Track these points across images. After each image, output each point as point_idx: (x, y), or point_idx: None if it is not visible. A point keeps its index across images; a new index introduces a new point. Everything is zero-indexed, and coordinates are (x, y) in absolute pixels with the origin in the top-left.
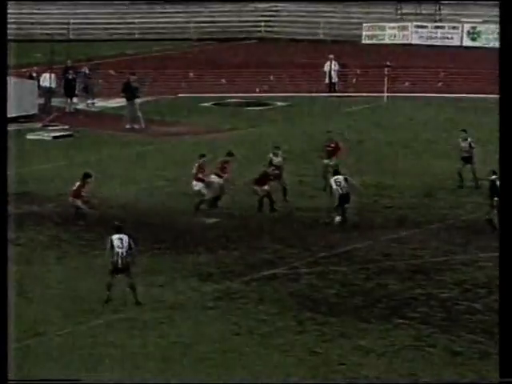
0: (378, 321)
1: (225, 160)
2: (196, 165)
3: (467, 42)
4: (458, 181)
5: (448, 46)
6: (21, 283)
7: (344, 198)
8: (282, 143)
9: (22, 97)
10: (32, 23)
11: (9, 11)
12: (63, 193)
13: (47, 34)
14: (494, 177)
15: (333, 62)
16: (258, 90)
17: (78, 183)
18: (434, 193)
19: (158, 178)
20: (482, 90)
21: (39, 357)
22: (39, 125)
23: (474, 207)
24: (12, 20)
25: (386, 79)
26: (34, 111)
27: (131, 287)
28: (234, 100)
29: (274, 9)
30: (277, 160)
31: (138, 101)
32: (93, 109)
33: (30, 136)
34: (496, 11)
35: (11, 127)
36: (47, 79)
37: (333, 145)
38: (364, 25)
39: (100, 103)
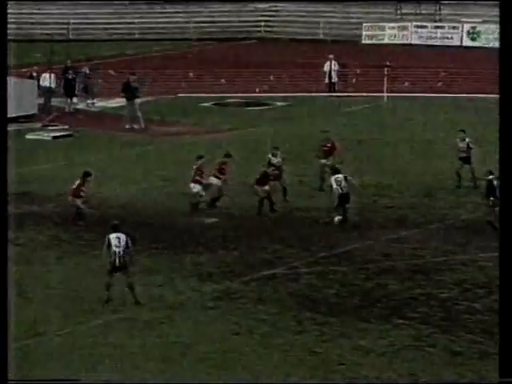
0: (377, 321)
1: (222, 161)
2: (194, 167)
3: (467, 42)
4: (456, 181)
5: (448, 46)
6: (20, 283)
7: (344, 198)
8: (282, 143)
9: (21, 97)
10: (32, 23)
11: (9, 11)
12: (63, 193)
13: (47, 34)
14: (491, 177)
15: (333, 62)
16: (257, 90)
17: (77, 182)
18: (434, 193)
19: (158, 177)
20: (481, 90)
21: (39, 357)
22: (39, 125)
23: (474, 207)
24: (12, 20)
25: (385, 79)
26: (34, 111)
27: (129, 287)
28: (234, 100)
29: (274, 9)
30: (276, 160)
31: (137, 101)
32: (92, 109)
33: (29, 136)
34: (496, 11)
35: (11, 127)
36: (47, 79)
37: (329, 145)
38: (364, 25)
39: (100, 103)
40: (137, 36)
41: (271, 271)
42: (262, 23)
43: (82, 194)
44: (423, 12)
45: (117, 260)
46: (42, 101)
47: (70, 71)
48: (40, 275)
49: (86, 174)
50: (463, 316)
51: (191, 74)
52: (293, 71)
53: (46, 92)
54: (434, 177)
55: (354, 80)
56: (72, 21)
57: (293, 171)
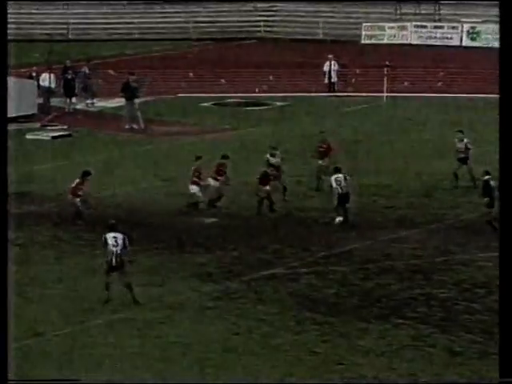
0: (377, 321)
1: (220, 163)
2: (192, 168)
3: (467, 42)
4: (453, 181)
5: (447, 46)
6: (20, 283)
7: (343, 198)
8: (282, 143)
9: (21, 97)
10: (31, 23)
11: (8, 11)
12: (62, 193)
13: (46, 33)
14: (487, 177)
15: (332, 62)
16: (257, 89)
17: (76, 181)
18: (433, 193)
19: (157, 178)
20: (481, 90)
21: (38, 357)
22: (38, 125)
23: (473, 207)
24: (11, 20)
25: (385, 79)
26: (34, 111)
27: (127, 286)
28: (234, 100)
29: (274, 9)
30: (274, 160)
31: (137, 101)
32: (92, 109)
33: (28, 136)
34: (495, 11)
35: (10, 127)
36: (46, 79)
37: (325, 145)
38: (363, 25)
39: (99, 103)
40: (136, 36)
41: (271, 271)
42: (262, 23)
43: (80, 192)
44: (423, 12)
45: (113, 260)
46: (41, 101)
47: (70, 71)
48: (39, 275)
49: (86, 174)
50: (463, 316)
51: (191, 73)
52: (292, 71)
53: (46, 92)
54: (433, 177)
55: (353, 80)
56: (71, 21)
57: (292, 171)
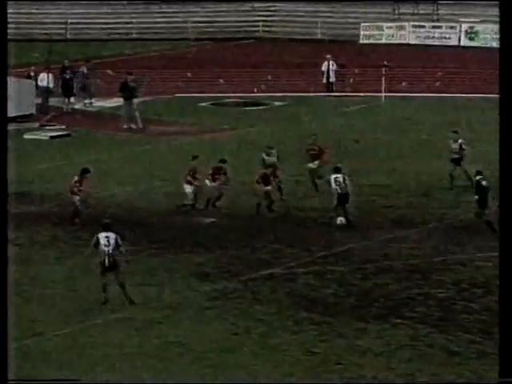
0: (375, 320)
1: (217, 166)
2: (188, 168)
3: (465, 42)
4: (448, 182)
5: (446, 46)
6: (19, 283)
7: (343, 198)
8: (280, 143)
9: (19, 97)
10: (30, 23)
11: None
12: (61, 192)
13: (45, 33)
14: (478, 177)
15: (330, 62)
16: (255, 89)
17: (75, 178)
18: (432, 192)
19: (156, 177)
20: (480, 90)
21: (37, 357)
22: (37, 124)
23: (471, 207)
24: (10, 20)
25: (383, 79)
26: (32, 111)
27: (120, 285)
28: (232, 100)
29: (272, 8)
30: (270, 159)
31: (135, 101)
32: (90, 108)
33: (27, 136)
34: (494, 11)
35: (9, 127)
36: (45, 79)
37: (316, 148)
38: (362, 24)
39: (97, 103)
40: (135, 36)
41: (269, 271)
42: (260, 23)
43: (78, 190)
44: (421, 12)
45: (106, 260)
46: (39, 101)
47: (68, 71)
48: (39, 275)
49: (84, 171)
50: (461, 316)
51: (189, 73)
52: (291, 71)
53: (44, 92)
54: (431, 176)
55: (351, 80)
56: (70, 20)
57: (290, 171)
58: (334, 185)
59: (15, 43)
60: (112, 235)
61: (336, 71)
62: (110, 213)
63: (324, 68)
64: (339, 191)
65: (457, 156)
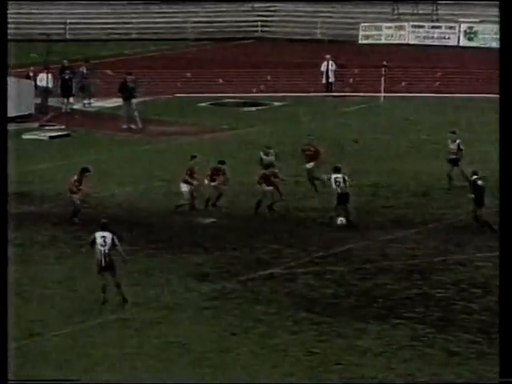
0: (374, 321)
1: (216, 167)
2: (186, 167)
3: (464, 42)
4: (447, 183)
5: (445, 46)
6: (18, 283)
7: (343, 198)
8: (279, 143)
9: (19, 97)
10: (29, 23)
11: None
12: (60, 193)
13: (44, 33)
14: (474, 177)
15: (330, 62)
16: (255, 89)
17: (74, 177)
18: (431, 193)
19: (155, 177)
20: (479, 90)
21: (37, 357)
22: (36, 125)
23: (471, 207)
24: (9, 20)
25: (382, 79)
26: (31, 111)
27: (116, 285)
28: (231, 100)
29: (272, 9)
30: (268, 159)
31: (134, 101)
32: (89, 109)
33: (26, 136)
34: (493, 11)
35: (8, 127)
36: (44, 79)
37: (312, 149)
38: (361, 25)
39: (97, 103)
40: (134, 36)
41: (268, 271)
42: (260, 23)
43: (77, 189)
44: (420, 12)
45: (103, 259)
46: (38, 101)
47: (67, 71)
48: (38, 275)
49: (84, 170)
50: (460, 316)
51: (189, 74)
52: (290, 71)
53: (43, 92)
54: (431, 177)
55: (351, 80)
56: (69, 20)
57: (290, 171)
58: (333, 185)
59: (14, 43)
60: (109, 235)
61: (335, 71)
62: (110, 213)
63: (323, 68)
64: (339, 191)
65: (454, 156)
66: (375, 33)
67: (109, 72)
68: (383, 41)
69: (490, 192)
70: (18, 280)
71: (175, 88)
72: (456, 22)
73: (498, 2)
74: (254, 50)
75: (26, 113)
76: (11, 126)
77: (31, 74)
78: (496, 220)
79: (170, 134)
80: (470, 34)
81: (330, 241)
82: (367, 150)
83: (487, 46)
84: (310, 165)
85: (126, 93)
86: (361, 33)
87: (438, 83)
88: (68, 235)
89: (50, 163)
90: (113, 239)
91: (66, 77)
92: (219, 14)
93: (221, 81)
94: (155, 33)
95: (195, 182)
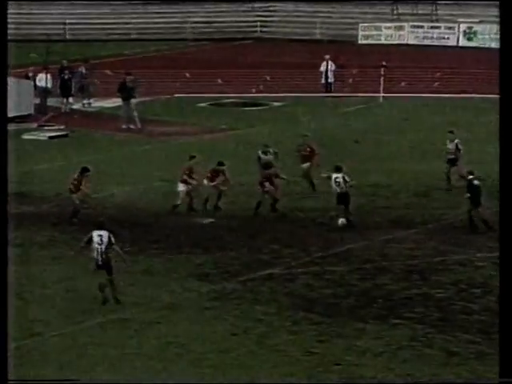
0: (374, 321)
1: (215, 169)
2: (184, 166)
3: (463, 42)
4: (446, 183)
5: (444, 46)
6: (18, 283)
7: (342, 197)
8: (278, 143)
9: (18, 97)
10: (28, 23)
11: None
12: (60, 193)
13: (44, 34)
14: (470, 177)
15: (329, 62)
16: (254, 90)
17: (74, 177)
18: (431, 193)
19: (154, 178)
20: (478, 90)
21: (36, 357)
22: (35, 125)
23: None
24: (9, 20)
25: (382, 79)
26: (30, 111)
27: (110, 284)
28: (231, 100)
29: (271, 9)
30: (265, 158)
31: (133, 101)
32: (89, 109)
33: (25, 136)
34: (492, 11)
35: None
36: (43, 79)
37: (308, 149)
38: (360, 25)
39: (96, 103)
40: (134, 36)
41: (268, 271)
42: (259, 23)
43: (76, 189)
44: (419, 12)
45: (99, 258)
46: (38, 101)
47: (66, 71)
48: (38, 275)
49: (84, 170)
50: (460, 316)
51: (188, 74)
52: (289, 71)
53: (42, 92)
54: (430, 177)
55: (350, 80)
56: (69, 21)
57: (289, 172)
58: (333, 184)
59: (13, 43)
60: (105, 233)
61: (335, 71)
62: (109, 213)
63: (323, 68)
64: (338, 191)
65: (452, 156)
66: (375, 33)
67: (108, 72)
68: (383, 41)
69: (489, 192)
70: (18, 280)
71: (174, 88)
72: (455, 22)
73: (497, 2)
74: (253, 50)
75: (26, 113)
76: (11, 126)
77: (30, 74)
78: (494, 219)
79: (169, 134)
80: (470, 34)
81: (330, 241)
82: (366, 150)
83: (486, 46)
84: (305, 165)
85: (126, 93)
86: (360, 33)
87: (437, 83)
88: (67, 235)
89: (49, 163)
90: (109, 238)
91: (66, 77)
92: (219, 14)
93: (220, 81)
94: (155, 33)
95: (194, 182)
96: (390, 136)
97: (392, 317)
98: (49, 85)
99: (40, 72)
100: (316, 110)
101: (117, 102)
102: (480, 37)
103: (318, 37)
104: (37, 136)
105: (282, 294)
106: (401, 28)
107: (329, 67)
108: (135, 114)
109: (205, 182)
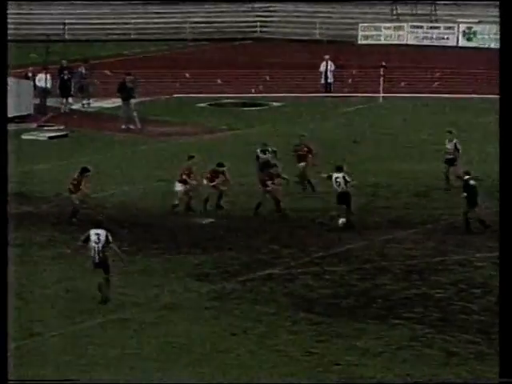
0: (373, 321)
1: (214, 170)
2: (182, 166)
3: (463, 43)
4: (445, 183)
5: (444, 47)
6: (18, 283)
7: (343, 197)
8: (278, 143)
9: (18, 97)
10: (28, 23)
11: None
12: (59, 193)
13: (43, 34)
14: (466, 177)
15: (329, 63)
16: (253, 90)
17: (74, 177)
18: (430, 193)
19: (154, 178)
20: (478, 91)
21: (35, 357)
22: (35, 125)
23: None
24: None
25: (381, 79)
26: (30, 111)
27: (105, 282)
28: (230, 100)
29: (271, 9)
30: (264, 157)
31: (133, 101)
32: (88, 109)
33: (25, 136)
34: (491, 11)
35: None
36: (42, 79)
37: (305, 149)
38: (360, 25)
39: (95, 103)
40: (133, 36)
41: (267, 271)
42: (259, 23)
43: (76, 189)
44: (419, 12)
45: (96, 256)
46: (37, 101)
47: (66, 71)
48: (37, 275)
49: (84, 170)
50: (459, 316)
51: (187, 74)
52: (289, 71)
53: (42, 92)
54: (429, 177)
55: (350, 80)
56: (68, 21)
57: (288, 172)
58: (334, 184)
59: (13, 44)
60: (103, 232)
61: (334, 72)
62: (109, 213)
63: (322, 69)
64: (339, 190)
65: (451, 156)
66: (374, 33)
67: (107, 72)
68: (382, 41)
69: (488, 192)
70: (18, 280)
71: (174, 88)
72: (455, 22)
73: (496, 2)
74: (252, 50)
75: (25, 113)
76: (10, 127)
77: (30, 75)
78: (492, 219)
79: (168, 134)
80: (469, 35)
81: (330, 241)
82: (366, 150)
83: (486, 46)
84: (301, 165)
85: (125, 93)
86: (360, 33)
87: (436, 83)
88: (67, 235)
89: (49, 163)
90: (107, 236)
91: (65, 77)
92: (218, 14)
93: (220, 81)
94: (154, 33)
95: (194, 182)
96: (389, 136)
97: (392, 317)
98: (48, 85)
99: (39, 72)
100: (315, 111)
101: (116, 102)
102: (479, 37)
103: (318, 37)
104: (36, 136)
105: (282, 294)
106: (400, 28)
107: (328, 67)
108: (135, 114)
109: (204, 182)
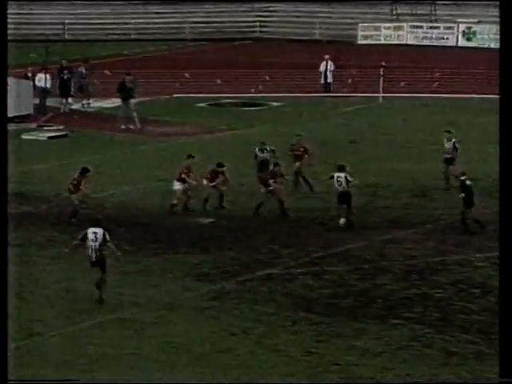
0: (373, 321)
1: (214, 170)
2: (181, 165)
3: (462, 43)
4: (444, 183)
5: (443, 47)
6: (18, 283)
7: (343, 197)
8: (277, 143)
9: (18, 97)
10: (28, 23)
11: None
12: (59, 193)
13: (43, 34)
14: (463, 177)
15: (328, 63)
16: (253, 90)
17: (74, 177)
18: (429, 193)
19: (153, 178)
20: (477, 91)
21: (35, 357)
22: (34, 125)
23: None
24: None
25: (381, 79)
26: (29, 111)
27: (102, 281)
28: (230, 100)
29: (271, 9)
30: (262, 156)
31: (133, 101)
32: (88, 109)
33: (24, 136)
34: (491, 11)
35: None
36: (42, 79)
37: (302, 148)
38: (360, 25)
39: (95, 103)
40: (133, 36)
41: (267, 271)
42: (258, 23)
43: (76, 189)
44: (419, 12)
45: (93, 255)
46: (37, 101)
47: (66, 71)
48: (37, 275)
49: (84, 170)
50: (459, 316)
51: (187, 74)
52: (288, 71)
53: (42, 92)
54: (429, 177)
55: (349, 80)
56: (68, 21)
57: (287, 171)
58: (335, 184)
59: (13, 44)
60: (100, 231)
61: (334, 72)
62: (108, 213)
63: (322, 68)
64: (340, 190)
65: (449, 156)
66: (374, 33)
67: (107, 72)
68: (382, 41)
69: (489, 192)
70: (18, 280)
71: (174, 88)
72: (454, 22)
73: (496, 3)
74: (252, 50)
75: (25, 113)
76: (10, 127)
77: (29, 75)
78: (490, 219)
79: (168, 134)
80: (469, 35)
81: (329, 241)
82: (366, 150)
83: (486, 46)
84: (297, 164)
85: (125, 93)
86: (359, 33)
87: (436, 83)
88: (67, 235)
89: (49, 163)
90: (104, 235)
91: (65, 77)
92: (218, 14)
93: (219, 81)
94: (154, 33)
95: (193, 182)
96: (389, 136)
97: (391, 317)
98: (48, 85)
99: (39, 72)
100: (315, 110)
101: (116, 102)
102: (479, 37)
103: (318, 37)
104: (36, 136)
105: (282, 294)
106: (400, 28)
107: (328, 67)
108: (134, 114)
109: (204, 182)
